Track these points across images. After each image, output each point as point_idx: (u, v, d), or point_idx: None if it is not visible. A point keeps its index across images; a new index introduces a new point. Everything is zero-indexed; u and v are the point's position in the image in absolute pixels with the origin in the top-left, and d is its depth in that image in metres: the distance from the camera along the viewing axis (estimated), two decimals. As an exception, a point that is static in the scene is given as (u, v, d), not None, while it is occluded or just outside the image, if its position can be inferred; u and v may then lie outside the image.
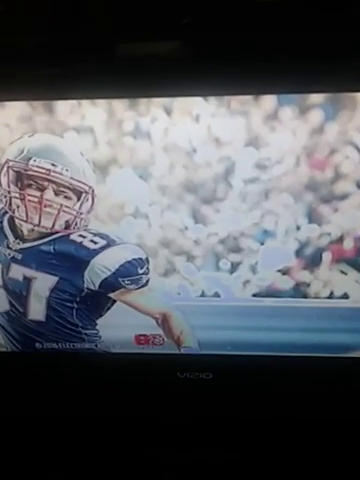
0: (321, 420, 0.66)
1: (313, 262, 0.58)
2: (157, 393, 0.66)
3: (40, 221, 0.56)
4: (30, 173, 0.54)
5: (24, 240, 0.59)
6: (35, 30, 0.48)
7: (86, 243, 0.58)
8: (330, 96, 0.49)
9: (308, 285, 0.60)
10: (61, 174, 0.54)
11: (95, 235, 0.58)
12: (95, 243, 0.58)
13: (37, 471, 0.67)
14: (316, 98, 0.49)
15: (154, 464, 0.67)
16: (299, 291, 0.60)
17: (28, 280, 0.60)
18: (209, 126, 0.50)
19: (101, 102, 0.50)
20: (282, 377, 0.64)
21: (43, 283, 0.60)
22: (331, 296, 0.60)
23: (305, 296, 0.60)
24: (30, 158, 0.53)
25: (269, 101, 0.49)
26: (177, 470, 0.66)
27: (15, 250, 0.59)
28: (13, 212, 0.57)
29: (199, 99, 0.49)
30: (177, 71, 0.46)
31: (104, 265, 0.58)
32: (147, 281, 0.60)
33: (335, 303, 0.60)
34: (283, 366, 0.64)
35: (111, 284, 0.59)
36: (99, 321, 0.63)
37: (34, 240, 0.59)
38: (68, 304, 0.61)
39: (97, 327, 0.64)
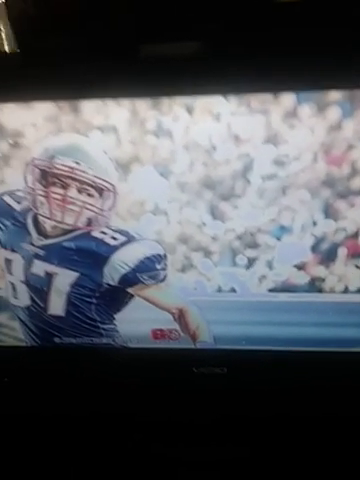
0: (337, 415, 0.66)
1: (329, 257, 0.59)
2: (172, 387, 0.67)
3: (63, 218, 0.58)
4: (54, 171, 0.55)
5: (47, 237, 0.60)
6: (61, 32, 0.49)
7: (107, 239, 0.59)
8: (348, 93, 0.50)
9: (323, 280, 0.60)
10: (84, 172, 0.55)
11: (115, 231, 0.59)
12: (115, 239, 0.59)
13: (56, 465, 0.68)
14: (334, 95, 0.50)
15: (169, 459, 0.67)
16: (314, 286, 0.61)
17: (49, 276, 0.61)
18: (229, 124, 0.51)
19: (125, 102, 0.51)
20: (297, 372, 0.64)
21: (64, 279, 0.61)
22: (346, 291, 0.61)
23: (320, 291, 0.61)
24: (55, 157, 0.55)
25: (288, 99, 0.50)
26: (192, 465, 0.67)
27: (38, 246, 0.61)
28: (37, 209, 0.58)
29: (220, 98, 0.50)
30: (199, 70, 0.47)
31: (124, 261, 0.60)
32: (165, 276, 0.61)
33: (350, 298, 0.61)
34: (298, 361, 0.65)
35: (130, 279, 0.61)
36: (117, 316, 0.64)
37: (56, 237, 0.60)
38: (87, 299, 0.62)
39: (115, 322, 0.65)
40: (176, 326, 0.64)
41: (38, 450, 0.69)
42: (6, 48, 0.51)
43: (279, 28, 0.47)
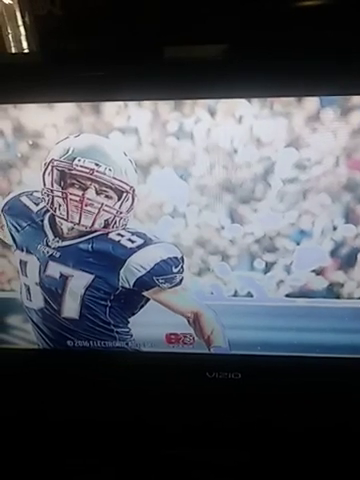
0: (353, 424, 0.65)
1: (348, 263, 0.58)
2: (185, 393, 0.66)
3: (80, 220, 0.57)
4: (74, 172, 0.55)
5: (63, 238, 0.60)
6: (85, 33, 0.49)
7: (124, 242, 0.59)
8: (371, 98, 0.49)
9: (342, 285, 0.60)
10: (104, 174, 0.55)
11: (133, 234, 0.59)
12: (132, 242, 0.59)
13: (67, 467, 0.67)
14: (358, 100, 0.49)
15: (181, 464, 0.67)
16: (332, 291, 0.60)
17: (64, 278, 0.61)
18: (251, 127, 0.51)
19: (147, 103, 0.51)
20: (313, 378, 0.64)
21: (79, 281, 0.61)
22: (364, 297, 0.60)
23: (338, 297, 0.60)
24: (75, 158, 0.54)
25: (311, 103, 0.49)
26: (205, 471, 0.66)
27: (54, 248, 0.61)
28: (54, 211, 0.58)
29: (243, 101, 0.50)
30: (222, 73, 0.47)
31: (140, 264, 0.59)
32: (181, 280, 0.61)
33: (368, 304, 0.61)
34: (314, 367, 0.64)
35: (145, 283, 0.60)
36: (131, 319, 0.64)
37: (73, 238, 0.60)
38: (102, 302, 0.62)
39: (129, 325, 0.64)
40: (191, 330, 0.64)
41: (50, 453, 0.69)
42: (29, 48, 0.51)
43: (303, 32, 0.47)
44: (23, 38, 0.50)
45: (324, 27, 0.47)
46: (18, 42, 0.53)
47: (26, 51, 0.53)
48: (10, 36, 0.53)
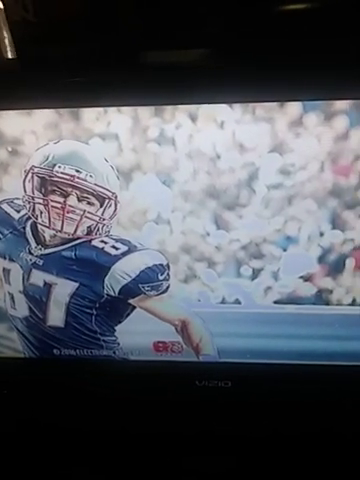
0: (344, 432, 0.65)
1: (336, 269, 0.58)
2: (175, 401, 0.65)
3: (62, 227, 0.56)
4: (54, 179, 0.54)
5: (46, 246, 0.59)
6: (62, 39, 0.49)
7: (107, 249, 0.58)
8: (355, 103, 0.49)
9: (330, 292, 0.59)
10: (85, 180, 0.54)
11: (117, 241, 0.58)
12: (116, 249, 0.58)
13: (53, 477, 0.66)
14: (341, 105, 0.49)
15: (170, 472, 0.66)
16: (321, 298, 0.59)
17: (48, 286, 0.60)
18: (233, 132, 0.50)
19: (127, 109, 0.50)
20: (302, 386, 0.63)
21: (63, 289, 0.60)
22: (354, 303, 0.59)
23: (327, 303, 0.60)
24: (55, 164, 0.54)
25: (294, 107, 0.49)
26: (195, 478, 0.65)
27: (37, 256, 0.60)
28: (36, 218, 0.57)
29: (224, 106, 0.49)
30: (203, 78, 0.47)
31: (124, 271, 0.58)
32: (167, 287, 0.60)
33: (358, 310, 0.60)
34: (304, 375, 0.63)
35: (131, 290, 0.59)
36: (118, 328, 0.63)
37: (56, 246, 0.59)
38: (87, 310, 0.61)
39: (116, 334, 0.64)
40: (179, 338, 0.63)
41: (36, 462, 0.68)
42: (6, 55, 0.50)
43: (285, 36, 0.46)
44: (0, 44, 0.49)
45: (306, 32, 0.46)
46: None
47: (3, 57, 0.52)
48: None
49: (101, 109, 0.50)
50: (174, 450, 0.67)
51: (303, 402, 0.64)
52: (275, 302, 0.60)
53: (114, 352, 0.65)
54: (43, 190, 0.55)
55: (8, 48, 0.50)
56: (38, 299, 0.61)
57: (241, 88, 0.47)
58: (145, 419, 0.67)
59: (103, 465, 0.67)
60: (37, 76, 0.48)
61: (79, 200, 0.55)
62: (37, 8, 0.46)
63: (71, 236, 0.58)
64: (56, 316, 0.62)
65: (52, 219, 0.56)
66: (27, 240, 0.60)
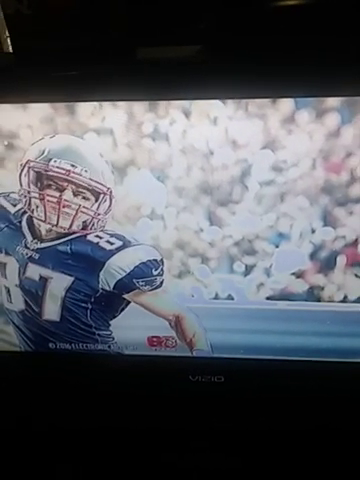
0: (336, 428, 0.65)
1: (327, 265, 0.58)
2: (168, 396, 0.66)
3: (58, 221, 0.57)
4: (50, 174, 0.55)
5: (42, 240, 0.60)
6: (58, 33, 0.49)
7: (102, 244, 0.59)
8: (347, 100, 0.49)
9: (322, 289, 0.60)
10: (80, 175, 0.55)
11: (111, 236, 0.59)
12: (111, 244, 0.59)
13: (49, 472, 0.67)
14: (333, 102, 0.49)
15: (164, 468, 0.66)
16: (313, 294, 0.60)
17: (44, 280, 0.61)
18: (226, 129, 0.51)
19: (121, 104, 0.51)
20: (295, 381, 0.63)
21: (59, 283, 0.61)
22: (345, 300, 0.60)
23: (319, 300, 0.60)
24: (51, 159, 0.54)
25: (286, 104, 0.49)
26: (187, 474, 0.66)
27: (33, 250, 0.60)
28: (32, 212, 0.58)
29: (217, 102, 0.50)
30: (196, 75, 0.47)
31: (119, 266, 0.59)
32: (161, 282, 0.60)
33: (349, 307, 0.60)
34: (296, 370, 0.64)
35: (125, 285, 0.60)
36: (112, 322, 0.64)
37: (52, 240, 0.60)
38: (83, 304, 0.62)
39: (110, 328, 0.64)
40: (173, 333, 0.63)
41: (30, 456, 0.68)
42: (1, 48, 0.51)
43: (278, 33, 0.47)
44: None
45: (298, 29, 0.46)
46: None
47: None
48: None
49: (96, 104, 0.50)
50: (167, 445, 0.68)
51: (296, 398, 0.64)
52: (267, 298, 0.61)
53: (109, 346, 0.65)
54: (39, 184, 0.56)
55: (2, 41, 0.50)
56: (34, 293, 0.62)
57: (234, 84, 0.47)
58: (138, 413, 0.67)
59: (97, 459, 0.68)
60: (32, 70, 0.48)
61: (74, 195, 0.56)
62: (31, 0, 0.47)
63: (67, 230, 0.58)
64: (52, 310, 0.62)
65: (48, 213, 0.57)
66: (23, 234, 0.60)
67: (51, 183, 0.55)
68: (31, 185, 0.56)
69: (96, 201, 0.56)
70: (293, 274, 0.59)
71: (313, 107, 0.49)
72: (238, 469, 0.66)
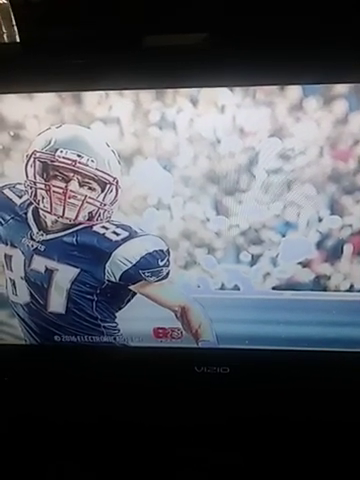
0: (341, 418, 0.65)
1: (334, 254, 0.58)
2: (174, 387, 0.66)
3: (64, 212, 0.57)
4: (56, 164, 0.54)
5: (47, 231, 0.60)
6: (64, 21, 0.49)
7: (108, 235, 0.58)
8: (355, 87, 0.49)
9: (328, 278, 0.60)
10: (86, 165, 0.54)
11: (117, 226, 0.58)
12: (117, 235, 0.58)
13: (54, 464, 0.67)
14: (341, 89, 0.49)
15: (170, 459, 0.66)
16: (319, 284, 0.60)
17: (50, 272, 0.61)
18: (234, 116, 0.51)
19: (128, 93, 0.50)
20: (301, 372, 0.63)
21: (64, 275, 0.60)
22: (351, 289, 0.60)
23: (325, 289, 0.60)
24: (57, 149, 0.54)
25: (294, 91, 0.49)
26: (194, 466, 0.66)
27: (38, 241, 0.60)
28: (38, 203, 0.57)
29: (225, 90, 0.49)
30: (204, 62, 0.47)
31: (125, 257, 0.59)
32: (167, 273, 0.60)
33: (355, 296, 0.60)
34: (302, 360, 0.64)
35: (131, 276, 0.60)
36: (118, 314, 0.64)
37: (57, 231, 0.59)
38: (88, 296, 0.62)
39: (116, 320, 0.64)
40: (178, 324, 0.63)
41: (37, 450, 0.68)
42: (7, 38, 0.50)
43: (286, 19, 0.47)
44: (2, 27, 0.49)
45: (306, 15, 0.46)
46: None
47: (4, 40, 0.52)
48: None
49: (103, 93, 0.50)
50: (173, 436, 0.68)
51: (301, 388, 0.64)
52: (273, 288, 0.61)
53: (114, 338, 0.65)
54: (45, 175, 0.55)
55: (9, 30, 0.50)
56: (39, 285, 0.62)
57: (241, 71, 0.47)
58: (144, 405, 0.67)
59: (103, 451, 0.68)
60: (38, 59, 0.48)
61: (80, 185, 0.55)
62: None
63: (72, 222, 0.58)
64: (57, 302, 0.62)
65: (54, 204, 0.56)
66: (29, 226, 0.60)
67: (57, 174, 0.55)
68: (37, 176, 0.56)
69: (102, 191, 0.56)
70: (299, 263, 0.59)
71: (321, 94, 0.49)
72: (243, 461, 0.66)
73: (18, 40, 0.50)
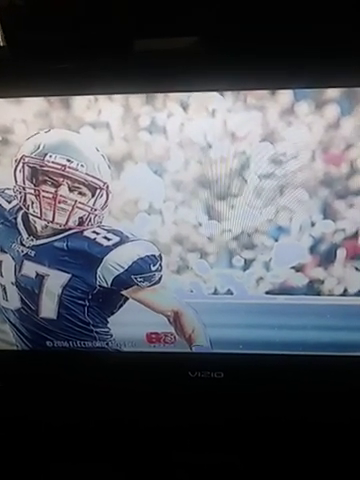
0: (336, 421, 0.65)
1: (327, 259, 0.58)
2: (167, 392, 0.65)
3: (54, 217, 0.56)
4: (45, 169, 0.54)
5: (38, 237, 0.59)
6: (52, 26, 0.48)
7: (99, 240, 0.58)
8: (346, 91, 0.49)
9: (322, 282, 0.59)
10: (76, 170, 0.54)
11: (108, 231, 0.58)
12: (108, 240, 0.58)
13: (40, 469, 0.67)
14: (332, 93, 0.49)
15: (164, 465, 0.66)
16: (313, 288, 0.60)
17: (41, 277, 0.60)
18: (225, 121, 0.50)
19: (118, 97, 0.50)
20: (295, 376, 0.63)
21: (55, 280, 0.60)
22: (345, 293, 0.60)
23: (319, 293, 0.60)
24: (46, 154, 0.53)
25: (285, 96, 0.49)
26: (188, 471, 0.66)
27: (28, 247, 0.59)
28: (27, 208, 0.57)
29: (215, 94, 0.49)
30: (194, 66, 0.46)
31: (117, 262, 0.58)
32: (160, 278, 0.60)
33: (349, 300, 0.60)
34: (296, 365, 0.63)
35: (123, 281, 0.59)
36: (111, 319, 0.63)
37: (48, 237, 0.59)
38: (80, 302, 0.61)
39: (108, 325, 0.64)
40: (171, 329, 0.63)
41: (28, 455, 0.68)
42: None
43: (276, 23, 0.46)
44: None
45: (297, 19, 0.46)
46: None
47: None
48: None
49: (92, 97, 0.50)
50: (166, 441, 0.67)
51: (295, 392, 0.64)
52: (267, 293, 0.60)
53: (107, 344, 0.65)
54: (34, 180, 0.55)
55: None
56: (30, 291, 0.61)
57: (232, 75, 0.46)
58: (138, 410, 0.67)
59: (95, 457, 0.67)
60: (26, 63, 0.47)
61: (70, 190, 0.55)
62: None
63: (63, 227, 0.57)
64: (49, 308, 0.62)
65: (43, 209, 0.56)
66: (19, 231, 0.59)
67: (46, 178, 0.54)
68: (26, 181, 0.55)
69: (92, 196, 0.56)
70: (293, 268, 0.59)
71: (312, 98, 0.49)
72: (238, 465, 0.65)
73: (4, 44, 0.50)
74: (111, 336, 0.64)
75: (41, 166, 0.54)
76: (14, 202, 0.58)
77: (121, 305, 0.62)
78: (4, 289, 0.63)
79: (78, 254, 0.58)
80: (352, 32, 0.45)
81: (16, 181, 0.56)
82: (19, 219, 0.59)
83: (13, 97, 0.50)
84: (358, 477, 0.63)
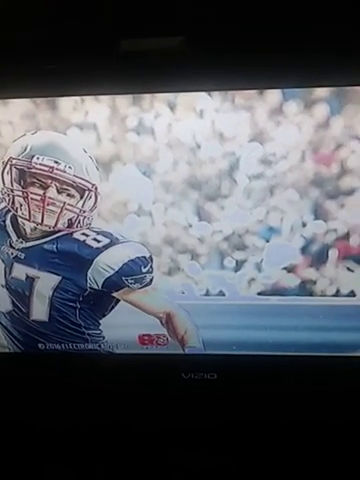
0: (328, 421, 0.65)
1: (319, 259, 0.57)
2: (161, 394, 0.65)
3: (43, 219, 0.56)
4: (33, 171, 0.54)
5: (27, 239, 0.59)
6: (38, 26, 0.47)
7: (89, 241, 0.58)
8: (335, 90, 0.48)
9: (314, 283, 0.59)
10: (64, 172, 0.53)
11: (98, 233, 0.58)
12: (98, 241, 0.58)
13: (34, 473, 0.66)
14: (321, 92, 0.48)
15: (157, 466, 0.66)
16: (305, 289, 0.59)
17: (31, 279, 0.60)
18: (213, 121, 0.50)
19: (104, 98, 0.49)
20: (288, 377, 0.63)
21: (46, 282, 0.59)
22: (337, 294, 0.59)
23: (311, 294, 0.60)
24: (33, 156, 0.53)
25: (274, 95, 0.48)
26: (181, 472, 0.65)
27: (18, 249, 0.59)
28: (16, 211, 0.56)
29: (203, 94, 0.48)
30: (181, 66, 0.46)
31: (107, 264, 0.58)
32: (151, 280, 0.59)
33: (342, 301, 0.60)
34: (289, 366, 0.63)
35: (114, 283, 0.59)
36: (102, 321, 0.63)
37: (37, 239, 0.58)
38: (71, 304, 0.61)
39: (100, 327, 0.63)
40: (164, 331, 0.63)
41: (21, 458, 0.67)
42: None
43: (264, 22, 0.46)
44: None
45: (285, 18, 0.45)
46: None
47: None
48: None
49: (78, 98, 0.49)
50: (160, 443, 0.67)
51: (288, 393, 0.64)
52: (259, 294, 0.60)
53: (99, 346, 0.64)
54: (22, 182, 0.55)
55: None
56: (21, 293, 0.61)
57: (220, 75, 0.46)
58: (131, 412, 0.67)
59: (88, 459, 0.67)
60: (10, 64, 0.47)
61: (59, 192, 0.55)
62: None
63: (52, 229, 0.57)
64: (40, 310, 0.61)
65: (32, 211, 0.55)
66: (8, 233, 0.59)
67: (34, 180, 0.54)
68: (14, 183, 0.55)
69: (81, 198, 0.55)
70: (284, 269, 0.58)
71: (301, 98, 0.48)
72: (231, 466, 0.65)
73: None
74: (103, 338, 0.64)
75: (29, 168, 0.53)
76: (2, 204, 0.58)
77: (112, 307, 0.62)
78: (-6, 292, 0.62)
79: (68, 256, 0.58)
80: (340, 31, 0.45)
81: (4, 183, 0.55)
82: (8, 221, 0.59)
83: (-1, 98, 0.50)
84: (351, 477, 0.63)
